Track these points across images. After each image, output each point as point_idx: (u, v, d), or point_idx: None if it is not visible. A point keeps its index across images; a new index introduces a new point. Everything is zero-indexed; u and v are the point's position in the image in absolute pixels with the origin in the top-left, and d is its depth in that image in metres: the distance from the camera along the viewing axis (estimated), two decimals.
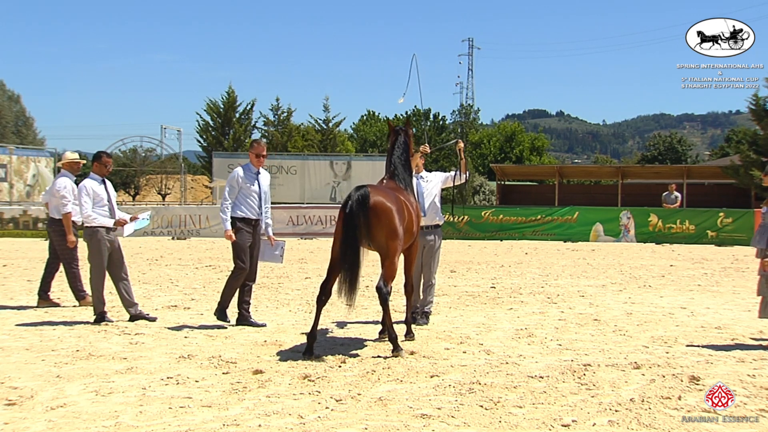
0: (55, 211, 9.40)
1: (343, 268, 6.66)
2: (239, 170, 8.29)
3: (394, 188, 7.33)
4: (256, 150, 8.36)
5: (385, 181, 7.61)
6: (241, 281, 8.23)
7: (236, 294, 8.28)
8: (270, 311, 9.24)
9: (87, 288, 9.32)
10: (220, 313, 8.17)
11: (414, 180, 8.12)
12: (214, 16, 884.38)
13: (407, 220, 6.98)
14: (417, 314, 8.29)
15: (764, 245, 7.20)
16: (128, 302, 8.52)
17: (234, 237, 8.11)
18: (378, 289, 6.66)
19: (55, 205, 9.36)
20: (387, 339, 6.88)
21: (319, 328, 7.99)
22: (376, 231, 6.64)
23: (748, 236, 22.07)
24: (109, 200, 8.59)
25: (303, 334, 7.70)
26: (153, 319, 8.46)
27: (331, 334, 7.68)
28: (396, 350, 6.61)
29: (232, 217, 8.15)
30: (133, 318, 8.43)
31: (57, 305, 9.61)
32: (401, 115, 71.67)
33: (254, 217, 8.26)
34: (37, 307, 9.46)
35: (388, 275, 6.68)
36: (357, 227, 6.56)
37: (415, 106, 70.07)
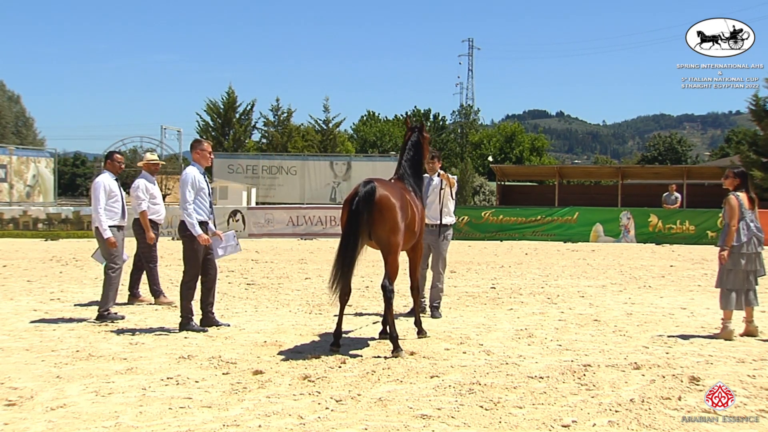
0: (133, 210, 9.73)
1: (340, 259, 6.65)
2: (194, 171, 7.98)
3: (402, 188, 7.35)
4: (206, 148, 8.18)
5: (393, 181, 7.58)
6: (195, 287, 8.02)
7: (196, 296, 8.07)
8: (270, 312, 9.24)
9: (159, 286, 9.99)
10: (187, 325, 7.88)
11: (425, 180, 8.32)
12: (214, 16, 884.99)
13: (410, 219, 7.03)
14: (424, 308, 8.48)
15: (722, 242, 7.76)
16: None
17: (210, 240, 7.94)
18: (383, 287, 6.69)
19: (133, 205, 9.71)
20: (388, 338, 6.90)
21: (319, 328, 8.03)
22: (378, 226, 6.69)
23: None
24: (121, 198, 8.82)
25: (303, 335, 7.72)
26: (121, 318, 8.62)
27: (331, 334, 7.66)
28: (396, 350, 6.62)
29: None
30: (100, 317, 8.54)
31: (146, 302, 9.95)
32: (401, 115, 71.75)
33: (208, 219, 8.10)
34: (128, 303, 9.73)
35: (392, 272, 6.75)
36: (360, 222, 6.60)
37: (415, 106, 70.20)
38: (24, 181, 31.46)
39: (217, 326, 8.04)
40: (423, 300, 8.68)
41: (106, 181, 8.67)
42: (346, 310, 9.29)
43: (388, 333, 6.81)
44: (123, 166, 9.11)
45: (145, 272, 9.98)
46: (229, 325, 8.15)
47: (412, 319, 7.88)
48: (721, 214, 8.04)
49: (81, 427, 4.61)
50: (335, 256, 6.75)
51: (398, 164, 7.85)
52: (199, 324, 7.98)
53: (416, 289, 7.76)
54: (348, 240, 6.63)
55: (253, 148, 48.59)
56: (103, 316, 8.47)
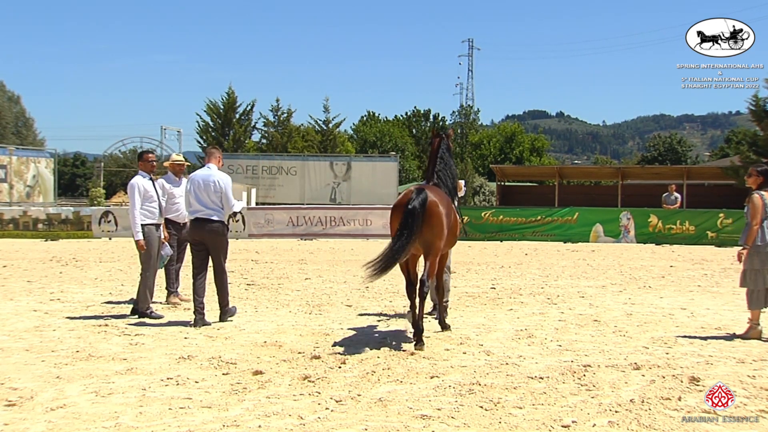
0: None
1: (390, 250, 6.95)
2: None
3: (445, 195, 7.77)
4: (220, 153, 8.98)
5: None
6: None
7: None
8: (270, 312, 9.24)
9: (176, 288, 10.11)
10: (228, 313, 8.55)
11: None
12: (214, 16, 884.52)
13: (452, 224, 7.55)
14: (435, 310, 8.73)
15: (743, 241, 7.78)
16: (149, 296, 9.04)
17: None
18: (422, 282, 7.12)
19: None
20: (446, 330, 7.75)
21: (318, 328, 8.03)
22: (427, 231, 7.13)
23: None
24: (158, 197, 9.11)
25: (303, 335, 7.72)
26: (159, 317, 8.82)
27: (332, 335, 7.67)
28: (418, 343, 6.95)
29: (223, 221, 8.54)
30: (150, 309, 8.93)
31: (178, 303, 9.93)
32: (401, 116, 71.71)
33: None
34: (166, 303, 9.86)
35: (431, 271, 7.27)
36: (416, 226, 7.00)
37: (415, 107, 70.22)
38: (24, 182, 31.45)
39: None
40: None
41: (140, 182, 8.96)
42: (346, 311, 9.30)
43: (414, 325, 7.16)
44: (155, 164, 9.43)
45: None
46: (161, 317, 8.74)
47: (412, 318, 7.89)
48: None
49: (81, 427, 4.61)
50: (385, 251, 7.00)
51: (431, 172, 8.08)
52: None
53: (441, 289, 8.11)
54: (401, 239, 6.95)
55: (253, 149, 48.56)
56: (143, 314, 8.75)
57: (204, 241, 8.40)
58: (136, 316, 8.80)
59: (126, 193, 57.72)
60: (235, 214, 24.65)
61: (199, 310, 8.24)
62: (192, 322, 8.23)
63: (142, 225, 8.83)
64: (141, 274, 8.92)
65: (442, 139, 8.18)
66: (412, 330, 7.30)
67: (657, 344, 7.24)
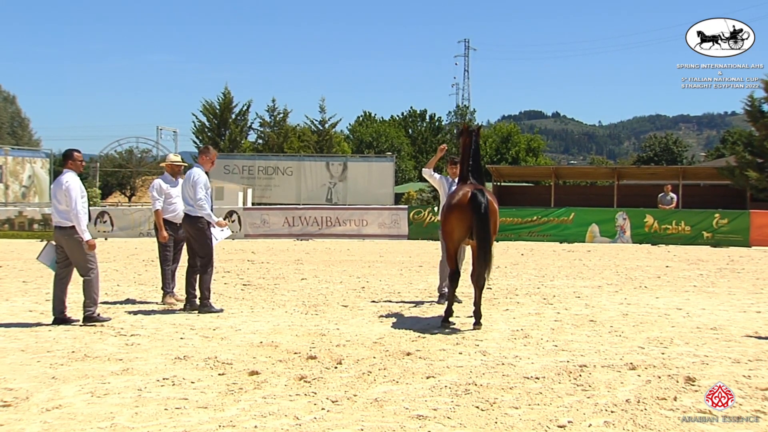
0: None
1: (480, 254, 7.84)
2: (203, 171, 9.34)
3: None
4: (212, 156, 9.55)
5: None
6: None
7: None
8: (266, 312, 9.23)
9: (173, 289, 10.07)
10: (206, 307, 9.07)
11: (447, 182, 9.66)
12: (210, 16, 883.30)
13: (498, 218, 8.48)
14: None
15: None
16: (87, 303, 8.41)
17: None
18: (482, 276, 7.99)
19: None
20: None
21: (314, 328, 8.02)
22: (488, 227, 7.94)
23: (744, 237, 22.16)
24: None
25: (299, 336, 7.72)
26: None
27: (328, 335, 7.67)
28: (477, 323, 7.96)
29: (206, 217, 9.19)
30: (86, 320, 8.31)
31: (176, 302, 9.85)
32: (398, 116, 71.74)
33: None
34: (162, 303, 9.84)
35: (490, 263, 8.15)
36: (488, 223, 7.83)
37: (411, 107, 70.27)
38: (20, 182, 31.45)
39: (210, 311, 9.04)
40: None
41: (78, 182, 8.50)
42: (342, 311, 9.32)
43: (476, 311, 8.06)
44: (84, 163, 8.89)
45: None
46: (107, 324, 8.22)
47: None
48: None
49: (76, 428, 4.60)
50: (480, 252, 7.87)
51: (465, 170, 8.50)
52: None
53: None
54: (486, 238, 7.82)
55: (249, 149, 48.56)
56: (91, 318, 8.30)
57: (188, 234, 9.21)
58: (131, 314, 8.81)
59: (122, 193, 57.30)
60: (231, 213, 24.67)
61: (190, 298, 9.08)
62: (185, 309, 9.20)
63: (70, 227, 8.40)
64: (84, 282, 8.45)
65: (470, 137, 8.52)
66: (444, 315, 8.19)
67: (653, 344, 7.25)
